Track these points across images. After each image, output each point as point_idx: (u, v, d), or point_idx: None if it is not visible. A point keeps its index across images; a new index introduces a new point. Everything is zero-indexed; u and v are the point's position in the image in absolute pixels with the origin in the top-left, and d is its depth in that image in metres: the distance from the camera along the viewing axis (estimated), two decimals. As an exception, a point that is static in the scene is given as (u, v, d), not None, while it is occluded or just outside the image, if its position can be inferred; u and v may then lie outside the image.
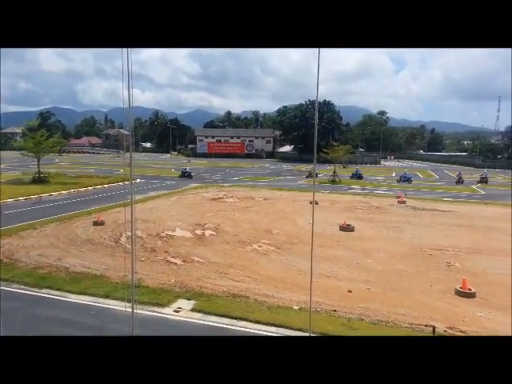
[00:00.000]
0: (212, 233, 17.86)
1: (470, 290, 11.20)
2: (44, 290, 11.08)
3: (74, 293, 10.92)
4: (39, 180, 33.81)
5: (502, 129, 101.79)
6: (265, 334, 8.83)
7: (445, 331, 9.03)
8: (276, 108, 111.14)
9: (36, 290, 11.12)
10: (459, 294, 11.16)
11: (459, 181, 42.14)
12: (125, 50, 4.43)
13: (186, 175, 41.17)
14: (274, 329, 9.08)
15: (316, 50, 4.39)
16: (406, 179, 42.13)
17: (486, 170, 49.47)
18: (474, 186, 40.10)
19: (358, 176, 44.05)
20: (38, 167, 34.83)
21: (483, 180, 42.61)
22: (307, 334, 8.20)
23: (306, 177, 44.16)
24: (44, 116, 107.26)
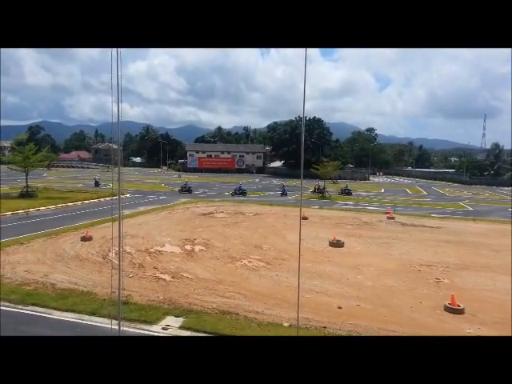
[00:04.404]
0: (202, 248, 17.74)
1: (458, 306, 11.24)
2: (29, 307, 10.83)
3: (60, 310, 10.68)
4: (27, 194, 33.39)
5: (488, 146, 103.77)
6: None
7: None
8: (264, 123, 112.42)
9: (21, 307, 10.87)
10: (448, 310, 11.19)
11: (317, 190, 43.44)
12: (114, 59, 4.47)
13: (96, 185, 46.42)
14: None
15: (300, 65, 4.46)
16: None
17: (347, 183, 51.75)
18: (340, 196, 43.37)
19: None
20: (26, 181, 34.47)
21: (345, 192, 44.59)
22: (307, 335, 8.11)
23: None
24: (33, 130, 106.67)
